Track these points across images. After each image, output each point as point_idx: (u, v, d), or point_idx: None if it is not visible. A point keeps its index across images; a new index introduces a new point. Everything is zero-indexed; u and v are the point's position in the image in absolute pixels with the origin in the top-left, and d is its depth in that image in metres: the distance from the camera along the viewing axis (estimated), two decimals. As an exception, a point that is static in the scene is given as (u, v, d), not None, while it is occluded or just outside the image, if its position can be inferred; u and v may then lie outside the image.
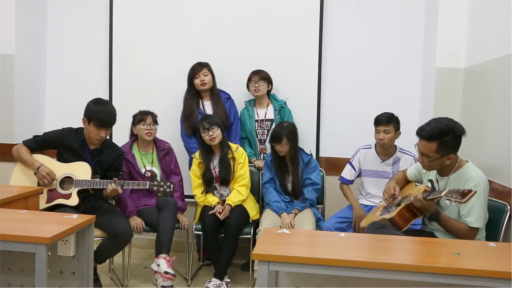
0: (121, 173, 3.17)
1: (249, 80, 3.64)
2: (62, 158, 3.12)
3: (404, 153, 3.30)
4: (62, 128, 3.16)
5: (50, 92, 4.24)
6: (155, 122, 3.41)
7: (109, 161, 3.16)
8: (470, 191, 2.18)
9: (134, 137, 3.49)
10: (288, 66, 3.77)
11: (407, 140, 3.42)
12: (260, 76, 3.61)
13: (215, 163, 3.41)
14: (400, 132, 3.25)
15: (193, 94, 3.64)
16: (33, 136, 3.16)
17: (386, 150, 3.29)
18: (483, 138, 2.88)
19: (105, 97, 3.99)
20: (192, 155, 3.47)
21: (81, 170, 3.04)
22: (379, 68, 3.80)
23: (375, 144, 3.36)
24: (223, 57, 3.82)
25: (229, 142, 3.46)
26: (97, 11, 4.09)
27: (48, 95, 4.25)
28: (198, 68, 3.60)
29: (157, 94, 3.98)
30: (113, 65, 4.07)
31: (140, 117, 3.39)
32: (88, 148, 3.11)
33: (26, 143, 3.12)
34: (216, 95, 3.67)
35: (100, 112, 2.99)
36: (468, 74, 3.25)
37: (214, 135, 3.31)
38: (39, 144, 3.13)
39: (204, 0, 3.92)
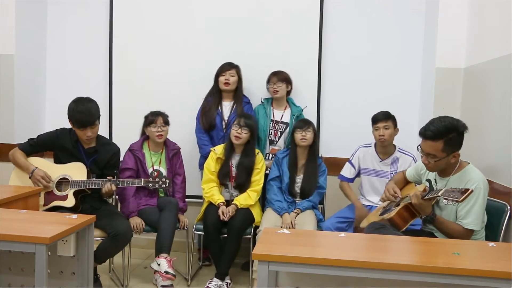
0: (116, 171, 3.17)
1: (268, 81, 3.62)
2: (58, 160, 3.12)
3: (403, 153, 3.30)
4: (56, 129, 3.15)
5: (50, 92, 4.25)
6: (166, 123, 3.40)
7: (105, 159, 3.16)
8: (467, 189, 2.18)
9: (145, 135, 3.48)
10: (288, 66, 3.76)
11: (407, 140, 3.45)
12: (279, 78, 3.58)
13: (233, 162, 3.41)
14: (398, 129, 3.26)
15: (216, 92, 3.64)
16: (28, 139, 3.16)
17: (385, 149, 3.29)
18: (483, 138, 2.88)
19: (105, 97, 4.01)
20: (211, 148, 3.45)
21: (77, 171, 3.04)
22: (379, 68, 3.80)
23: (375, 143, 3.36)
24: (222, 58, 3.80)
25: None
26: (97, 11, 4.09)
27: (48, 95, 4.25)
28: (227, 67, 3.60)
29: (157, 94, 3.98)
30: (113, 66, 4.07)
31: (151, 119, 3.38)
32: (82, 147, 3.10)
33: (21, 147, 3.12)
34: (239, 99, 3.64)
35: (77, 113, 2.95)
36: (468, 74, 3.25)
37: (241, 135, 3.31)
38: (34, 147, 3.13)
39: (204, 0, 3.92)
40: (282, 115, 3.65)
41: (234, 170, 3.40)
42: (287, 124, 3.62)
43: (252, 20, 3.88)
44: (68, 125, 3.16)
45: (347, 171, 3.43)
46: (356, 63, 3.83)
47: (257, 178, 3.39)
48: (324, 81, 3.86)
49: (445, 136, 2.36)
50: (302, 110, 3.69)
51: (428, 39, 3.62)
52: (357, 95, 3.84)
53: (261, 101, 3.72)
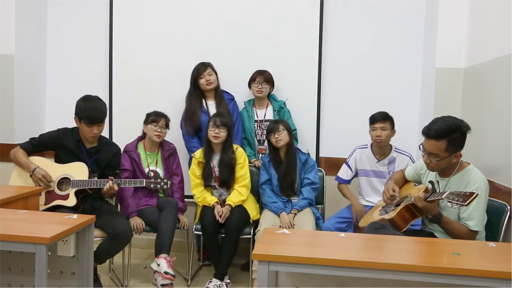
0: (117, 171, 3.17)
1: (253, 79, 3.63)
2: (59, 159, 3.13)
3: (400, 152, 3.30)
4: (58, 129, 3.16)
5: (50, 92, 4.25)
6: (167, 126, 3.42)
7: (107, 159, 3.16)
8: (472, 193, 2.17)
9: (140, 136, 3.49)
10: (288, 66, 3.77)
11: (407, 140, 3.44)
12: (264, 78, 3.59)
13: (214, 162, 3.41)
14: (395, 131, 3.26)
15: (196, 95, 3.64)
16: (30, 138, 3.17)
17: (381, 149, 3.29)
18: (483, 138, 2.88)
19: (105, 97, 3.98)
20: (192, 154, 3.47)
21: (78, 170, 3.04)
22: (379, 68, 3.80)
23: (371, 144, 3.36)
24: (223, 57, 3.81)
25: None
26: (97, 11, 4.09)
27: (48, 95, 4.25)
28: (202, 68, 3.60)
29: (157, 94, 3.98)
30: (113, 65, 4.07)
31: (154, 118, 3.39)
32: (84, 147, 3.11)
33: (22, 146, 3.13)
34: (220, 95, 3.66)
35: (88, 109, 2.98)
36: (468, 74, 3.25)
37: (219, 134, 3.32)
38: (35, 146, 3.13)
39: (204, 1, 3.92)
40: (265, 114, 3.66)
41: (216, 170, 3.40)
42: (271, 121, 3.63)
43: (253, 20, 3.88)
44: (68, 125, 3.17)
45: (344, 172, 3.43)
46: (356, 63, 3.83)
47: (242, 173, 3.39)
48: (324, 81, 3.86)
49: (448, 136, 2.36)
50: (284, 103, 3.69)
51: (428, 39, 3.62)
52: (357, 95, 3.83)
53: (244, 105, 3.73)
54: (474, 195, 2.16)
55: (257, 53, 3.86)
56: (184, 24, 3.96)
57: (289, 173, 3.39)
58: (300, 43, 3.84)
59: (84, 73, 4.17)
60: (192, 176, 3.42)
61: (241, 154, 3.42)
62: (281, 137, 3.34)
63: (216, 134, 3.31)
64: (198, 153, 3.43)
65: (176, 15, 3.97)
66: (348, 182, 3.44)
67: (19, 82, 3.97)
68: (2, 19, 3.88)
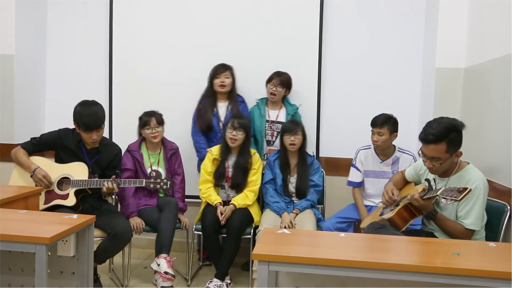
0: (117, 171, 3.17)
1: (269, 80, 3.60)
2: (59, 159, 3.13)
3: (403, 152, 3.30)
4: (59, 129, 3.16)
5: (50, 92, 4.24)
6: (159, 123, 3.38)
7: (107, 160, 3.17)
8: (465, 188, 2.19)
9: (143, 136, 3.47)
10: (288, 66, 3.76)
11: (407, 140, 3.44)
12: (280, 80, 3.57)
13: (229, 162, 3.41)
14: (396, 135, 3.24)
15: (211, 94, 3.63)
16: (31, 138, 3.17)
17: (384, 150, 3.29)
18: (483, 138, 2.88)
19: (105, 97, 4.00)
20: (208, 149, 3.44)
21: (79, 170, 3.05)
22: (379, 68, 3.80)
23: (374, 145, 3.36)
24: (222, 57, 3.80)
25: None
26: (97, 11, 4.09)
27: (48, 95, 4.24)
28: (221, 69, 3.59)
29: (157, 94, 3.98)
30: (113, 66, 4.07)
31: (145, 120, 3.36)
32: (85, 148, 3.11)
33: (23, 146, 3.13)
34: (233, 99, 3.63)
35: (84, 116, 2.95)
36: (468, 74, 3.25)
37: (236, 137, 3.30)
38: (36, 146, 3.14)
39: (204, 0, 3.93)
40: (278, 115, 3.65)
41: (230, 170, 3.40)
42: (283, 123, 3.61)
43: (252, 20, 3.88)
44: (68, 125, 3.17)
45: (354, 175, 3.40)
46: (356, 63, 3.83)
47: (254, 179, 3.38)
48: (324, 81, 3.86)
49: (446, 137, 2.36)
50: (298, 108, 3.69)
51: (428, 39, 3.62)
52: (357, 95, 3.84)
53: (256, 102, 3.72)
54: (467, 190, 2.18)
55: (257, 53, 3.86)
56: (184, 24, 3.96)
57: (301, 179, 3.37)
58: (300, 43, 3.84)
59: (84, 73, 4.16)
60: (203, 171, 3.39)
61: (257, 159, 3.41)
62: (296, 142, 3.32)
63: (233, 136, 3.30)
64: (216, 150, 3.41)
65: (176, 15, 3.97)
66: (360, 184, 3.40)
67: (19, 82, 3.97)
68: (2, 19, 3.88)
